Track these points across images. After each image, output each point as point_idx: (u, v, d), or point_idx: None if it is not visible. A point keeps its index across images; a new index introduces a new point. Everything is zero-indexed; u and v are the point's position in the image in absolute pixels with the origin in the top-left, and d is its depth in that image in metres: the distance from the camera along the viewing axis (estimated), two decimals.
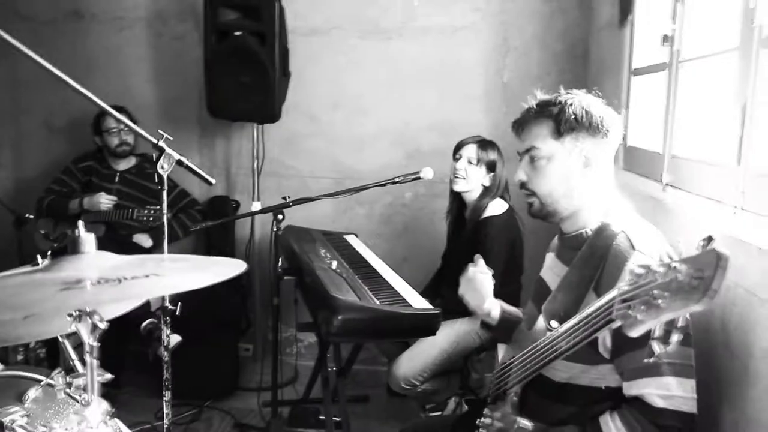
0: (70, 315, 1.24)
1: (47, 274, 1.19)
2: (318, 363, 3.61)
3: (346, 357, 3.56)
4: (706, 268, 1.08)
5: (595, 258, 1.65)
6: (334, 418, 3.13)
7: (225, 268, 1.29)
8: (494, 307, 2.01)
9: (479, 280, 2.01)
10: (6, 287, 1.20)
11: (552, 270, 1.92)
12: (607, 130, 1.72)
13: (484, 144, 3.26)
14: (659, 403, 1.52)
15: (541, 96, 1.80)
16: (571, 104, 1.72)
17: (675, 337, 1.20)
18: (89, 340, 1.25)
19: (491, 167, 3.22)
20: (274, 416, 3.27)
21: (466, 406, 3.28)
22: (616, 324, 1.34)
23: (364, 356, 3.93)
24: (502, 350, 2.07)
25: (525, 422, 1.73)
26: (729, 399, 1.78)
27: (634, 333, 1.22)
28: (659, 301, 1.16)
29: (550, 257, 1.98)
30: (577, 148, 1.72)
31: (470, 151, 3.24)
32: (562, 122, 1.71)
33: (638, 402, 1.56)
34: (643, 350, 1.50)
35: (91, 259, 1.24)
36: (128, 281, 1.15)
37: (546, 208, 1.79)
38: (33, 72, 4.32)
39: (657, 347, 1.23)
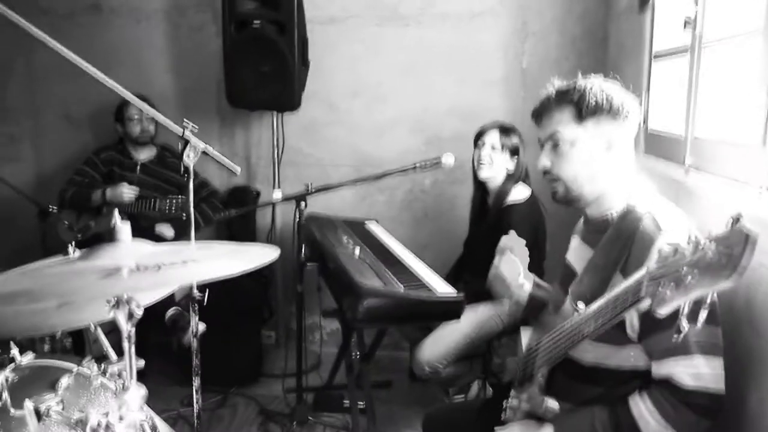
0: (107, 302, 1.26)
1: (87, 263, 1.22)
2: (342, 349, 3.65)
3: (369, 343, 3.59)
4: (735, 246, 1.10)
5: (621, 240, 1.66)
6: (358, 404, 3.16)
7: (260, 254, 1.31)
8: (528, 280, 2.05)
9: (515, 252, 2.04)
10: (48, 275, 1.23)
11: (577, 253, 1.93)
12: (628, 113, 1.74)
13: (506, 129, 3.26)
14: (689, 383, 1.53)
15: (559, 84, 1.81)
16: (591, 89, 1.74)
17: (703, 315, 1.21)
18: (127, 327, 1.27)
19: (514, 152, 3.23)
20: (298, 402, 3.30)
21: (490, 390, 3.30)
22: (645, 302, 1.35)
23: (386, 342, 3.95)
24: (525, 335, 2.08)
25: (552, 402, 1.74)
26: (755, 377, 1.78)
27: (663, 311, 1.24)
28: (688, 278, 1.17)
29: (575, 240, 2.00)
30: (599, 132, 1.74)
31: (493, 137, 3.25)
32: (584, 107, 1.73)
33: (667, 382, 1.58)
34: (671, 330, 1.51)
35: (129, 248, 1.27)
36: (167, 268, 1.17)
37: (571, 193, 1.80)
38: (49, 64, 4.38)
39: (684, 324, 1.24)
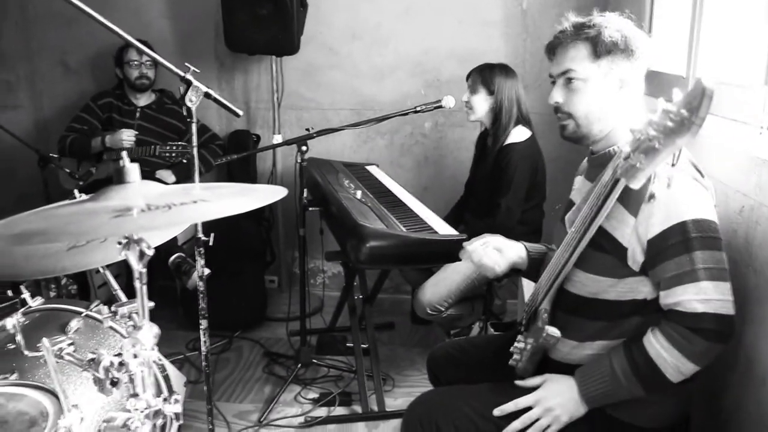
0: (119, 243, 1.28)
1: (98, 203, 1.23)
2: (344, 291, 3.69)
3: (370, 286, 3.63)
4: (694, 100, 1.19)
5: None
6: (361, 345, 3.21)
7: (268, 194, 1.33)
8: (520, 251, 2.06)
9: (492, 245, 2.03)
10: (61, 216, 1.24)
11: (580, 191, 1.94)
12: (641, 53, 1.74)
13: (480, 69, 3.26)
14: (698, 308, 1.55)
15: (575, 18, 1.79)
16: (607, 27, 1.72)
17: (671, 175, 1.36)
18: (138, 267, 1.29)
19: (490, 91, 3.22)
20: (302, 344, 3.35)
21: (491, 330, 3.35)
22: (621, 183, 1.45)
23: (387, 285, 4.00)
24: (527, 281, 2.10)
25: (553, 330, 1.76)
26: (751, 314, 1.82)
27: (636, 184, 1.35)
28: (654, 143, 1.27)
29: (579, 180, 2.01)
30: (613, 71, 1.74)
31: (468, 80, 3.27)
32: (599, 44, 1.72)
33: (675, 313, 1.59)
34: (677, 258, 1.55)
35: (138, 188, 1.28)
36: (177, 207, 1.19)
37: (581, 130, 1.81)
38: (43, 9, 4.33)
39: (655, 190, 1.39)
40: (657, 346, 1.61)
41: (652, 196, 1.34)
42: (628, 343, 1.68)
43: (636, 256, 1.64)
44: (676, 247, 1.56)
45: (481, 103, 3.24)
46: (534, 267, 2.07)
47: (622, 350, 1.67)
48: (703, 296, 1.55)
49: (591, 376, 1.71)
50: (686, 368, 1.59)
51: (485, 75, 3.23)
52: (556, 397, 1.75)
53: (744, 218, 1.90)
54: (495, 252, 2.01)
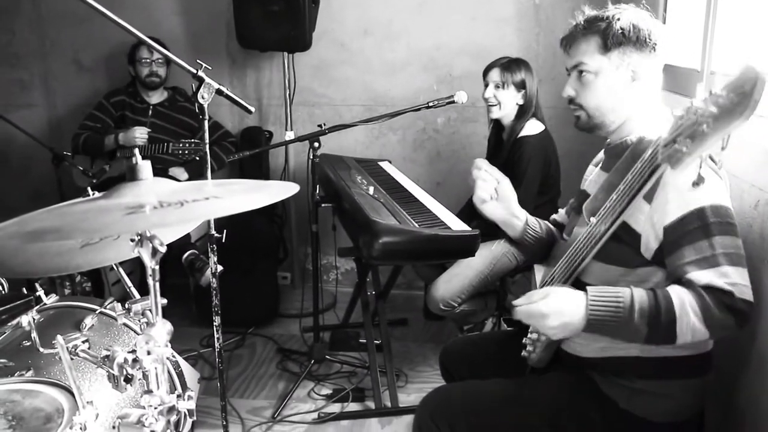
0: (131, 240, 1.28)
1: (110, 200, 1.23)
2: (357, 287, 3.69)
3: (383, 282, 3.63)
4: (746, 83, 1.15)
5: (642, 166, 1.63)
6: (374, 341, 3.21)
7: (280, 190, 1.33)
8: (519, 216, 2.08)
9: (502, 188, 2.04)
10: (75, 213, 1.25)
11: (595, 181, 1.93)
12: (655, 44, 1.73)
13: (508, 64, 3.23)
14: (727, 289, 1.51)
15: (589, 11, 1.80)
16: (618, 19, 1.73)
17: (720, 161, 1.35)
18: (150, 264, 1.29)
19: (520, 85, 3.20)
20: (316, 341, 3.36)
21: (504, 325, 3.34)
22: (662, 169, 1.43)
23: (400, 281, 4.00)
24: (539, 272, 2.09)
25: None
26: (766, 309, 1.80)
27: (681, 167, 1.31)
28: (703, 127, 1.22)
29: (594, 170, 2.00)
30: (624, 63, 1.74)
31: (495, 75, 3.23)
32: (609, 37, 1.72)
33: (710, 288, 1.52)
34: (697, 243, 1.54)
35: (150, 185, 1.29)
36: (190, 204, 1.19)
37: (593, 121, 1.81)
38: (56, 8, 4.35)
39: (704, 174, 1.32)
40: (686, 302, 1.52)
41: (701, 179, 1.30)
42: (652, 288, 1.61)
43: (650, 243, 1.63)
44: (694, 232, 1.55)
45: (511, 99, 3.22)
46: (524, 242, 2.09)
47: (644, 291, 1.58)
48: (728, 280, 1.51)
49: (606, 297, 1.59)
50: (699, 336, 1.53)
51: (513, 69, 3.20)
52: (560, 303, 1.62)
53: (759, 213, 1.88)
54: (488, 192, 2.03)
